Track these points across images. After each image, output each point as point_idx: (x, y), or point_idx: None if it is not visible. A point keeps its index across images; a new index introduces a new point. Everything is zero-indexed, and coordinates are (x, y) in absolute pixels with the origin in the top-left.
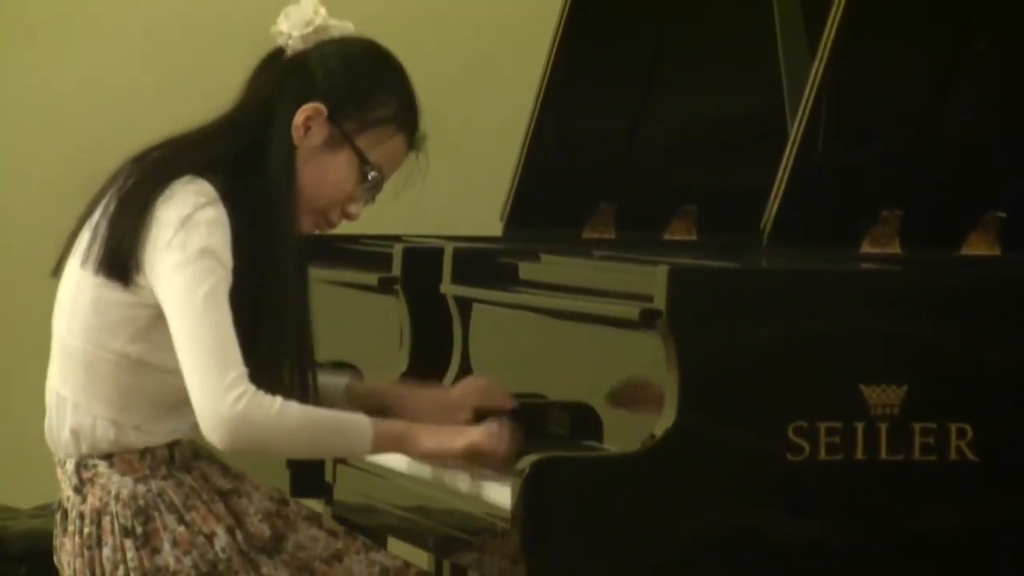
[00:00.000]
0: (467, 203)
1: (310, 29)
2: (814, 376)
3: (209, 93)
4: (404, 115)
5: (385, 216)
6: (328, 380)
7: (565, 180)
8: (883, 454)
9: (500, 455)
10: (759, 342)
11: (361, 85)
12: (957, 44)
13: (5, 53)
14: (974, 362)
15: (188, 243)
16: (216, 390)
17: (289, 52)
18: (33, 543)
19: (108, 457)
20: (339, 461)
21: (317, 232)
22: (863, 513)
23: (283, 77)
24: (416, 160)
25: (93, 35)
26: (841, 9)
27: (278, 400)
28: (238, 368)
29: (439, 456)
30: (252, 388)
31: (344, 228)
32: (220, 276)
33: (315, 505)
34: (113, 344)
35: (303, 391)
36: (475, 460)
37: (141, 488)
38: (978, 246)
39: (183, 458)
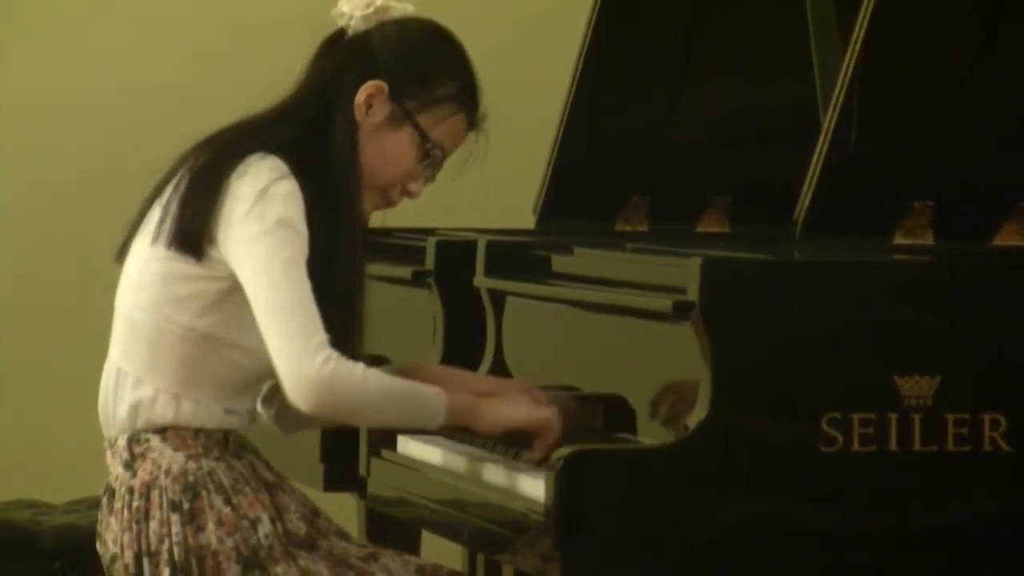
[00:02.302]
0: (500, 196)
1: (371, 10)
2: (847, 367)
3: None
4: (464, 94)
5: (418, 209)
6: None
7: (598, 172)
8: (916, 445)
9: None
10: (792, 334)
11: (422, 64)
12: (988, 35)
13: (65, 43)
14: (1007, 353)
15: (266, 214)
16: (304, 352)
17: (351, 33)
18: (67, 538)
19: (162, 431)
20: (373, 455)
21: (378, 211)
22: (896, 504)
23: (345, 57)
24: (475, 141)
25: (137, 21)
26: (873, 0)
27: (361, 365)
28: (322, 333)
29: (508, 427)
30: (337, 353)
31: (377, 220)
32: (299, 246)
33: (349, 500)
34: (181, 317)
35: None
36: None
37: (192, 465)
38: (1011, 237)
39: (235, 445)
